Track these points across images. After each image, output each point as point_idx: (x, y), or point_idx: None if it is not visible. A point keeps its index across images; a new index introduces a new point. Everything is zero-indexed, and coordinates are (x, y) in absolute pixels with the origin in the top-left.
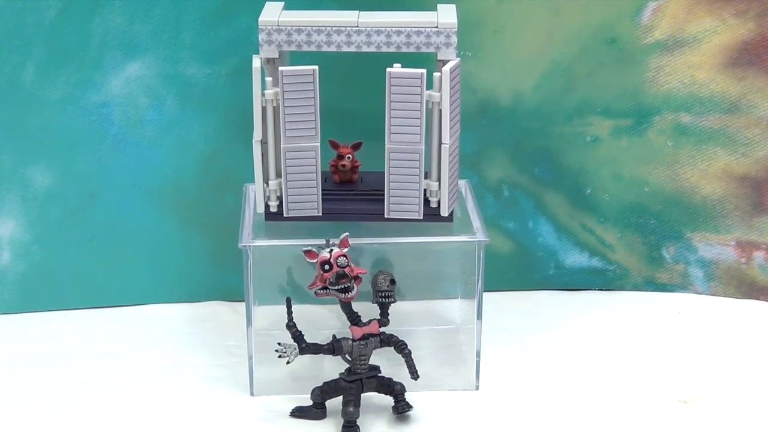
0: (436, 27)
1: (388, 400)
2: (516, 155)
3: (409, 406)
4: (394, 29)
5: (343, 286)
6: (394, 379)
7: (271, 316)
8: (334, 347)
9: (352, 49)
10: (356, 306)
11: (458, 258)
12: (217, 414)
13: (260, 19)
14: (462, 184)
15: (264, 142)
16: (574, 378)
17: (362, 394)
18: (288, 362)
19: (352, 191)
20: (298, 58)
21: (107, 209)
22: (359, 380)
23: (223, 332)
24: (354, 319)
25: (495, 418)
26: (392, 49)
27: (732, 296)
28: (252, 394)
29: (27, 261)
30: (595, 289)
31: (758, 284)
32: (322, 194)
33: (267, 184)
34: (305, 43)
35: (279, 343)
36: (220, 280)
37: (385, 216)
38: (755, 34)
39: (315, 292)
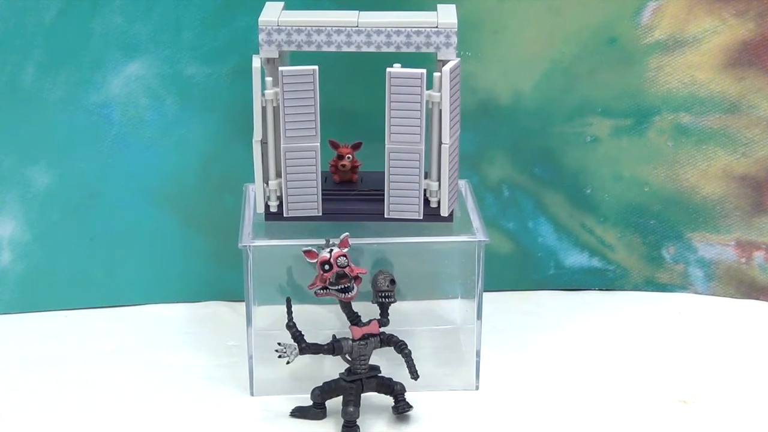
0: (436, 27)
1: (388, 400)
2: (516, 155)
3: (409, 406)
4: (394, 29)
5: (343, 286)
6: (394, 379)
7: (271, 316)
8: (334, 347)
9: (352, 49)
10: (356, 306)
11: (458, 258)
12: (217, 414)
13: (260, 19)
14: (462, 184)
15: (264, 142)
16: (574, 378)
17: (362, 394)
18: (288, 362)
19: (352, 191)
20: (298, 58)
21: (107, 209)
22: (359, 380)
23: (223, 332)
24: (354, 319)
25: (495, 418)
26: (392, 49)
27: (732, 296)
28: (252, 394)
29: (27, 261)
30: (595, 289)
31: (758, 284)
32: (322, 194)
33: (267, 184)
34: (305, 43)
35: (279, 343)
36: (220, 280)
37: (385, 216)
38: (755, 34)
39: (315, 292)
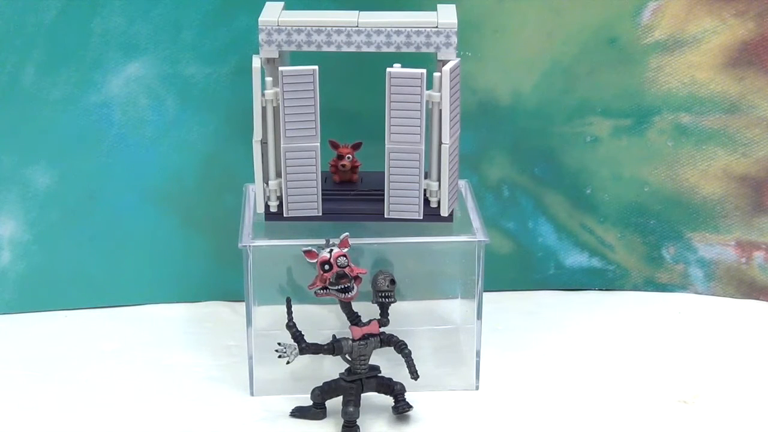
0: (436, 27)
1: (388, 400)
2: (516, 155)
3: (409, 406)
4: (394, 29)
5: (343, 286)
6: (394, 379)
7: (271, 316)
8: (334, 347)
9: (352, 49)
10: (356, 306)
11: (458, 258)
12: (217, 414)
13: (260, 19)
14: (462, 184)
15: (264, 142)
16: (574, 378)
17: (362, 394)
18: (288, 362)
19: (352, 191)
20: (298, 58)
21: (107, 209)
22: (359, 380)
23: (223, 332)
24: (354, 319)
25: (495, 418)
26: (392, 49)
27: (732, 296)
28: (252, 394)
29: (27, 261)
30: (595, 289)
31: (758, 284)
32: (322, 194)
33: (267, 184)
34: (305, 43)
35: (279, 343)
36: (220, 280)
37: (385, 216)
38: (755, 34)
39: (315, 292)
